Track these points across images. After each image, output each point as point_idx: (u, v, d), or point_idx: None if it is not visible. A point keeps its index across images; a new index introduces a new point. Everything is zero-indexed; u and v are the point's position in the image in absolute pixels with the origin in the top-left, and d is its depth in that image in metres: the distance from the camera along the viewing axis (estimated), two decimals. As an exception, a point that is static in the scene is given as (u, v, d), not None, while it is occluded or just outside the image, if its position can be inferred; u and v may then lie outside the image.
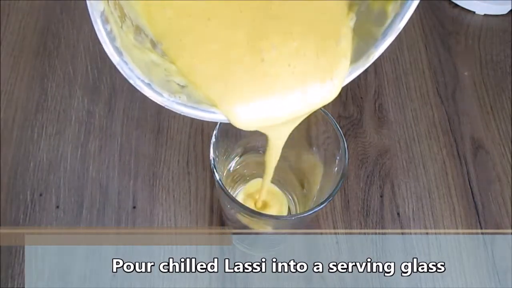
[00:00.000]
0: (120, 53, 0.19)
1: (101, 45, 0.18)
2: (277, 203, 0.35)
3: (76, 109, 0.42)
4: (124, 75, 0.19)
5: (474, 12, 0.51)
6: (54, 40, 0.46)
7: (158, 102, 0.21)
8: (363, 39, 0.22)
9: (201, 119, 0.23)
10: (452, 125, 0.44)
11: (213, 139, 0.27)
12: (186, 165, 0.40)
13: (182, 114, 0.22)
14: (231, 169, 0.34)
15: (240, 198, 0.35)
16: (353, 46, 0.23)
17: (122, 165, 0.40)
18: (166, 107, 0.21)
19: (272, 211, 0.34)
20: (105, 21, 0.17)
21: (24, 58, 0.44)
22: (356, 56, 0.23)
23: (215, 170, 0.26)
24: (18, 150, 0.40)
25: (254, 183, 0.35)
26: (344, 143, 0.27)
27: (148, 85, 0.20)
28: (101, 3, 0.17)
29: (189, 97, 0.22)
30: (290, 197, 0.35)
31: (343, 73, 0.23)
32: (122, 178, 0.39)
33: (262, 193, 0.32)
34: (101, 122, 0.42)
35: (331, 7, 0.22)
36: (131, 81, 0.20)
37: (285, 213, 0.34)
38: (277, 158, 0.28)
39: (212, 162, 0.26)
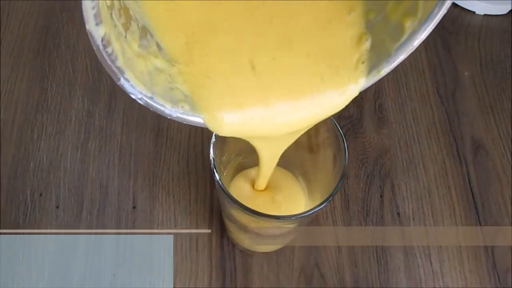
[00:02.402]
0: (122, 72, 0.19)
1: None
2: (292, 197, 0.34)
3: (76, 109, 0.42)
4: (126, 91, 0.20)
5: (474, 12, 0.51)
6: (54, 40, 0.46)
7: (160, 113, 0.21)
8: (376, 52, 0.22)
9: (203, 126, 0.23)
10: (452, 125, 0.44)
11: (213, 139, 0.27)
12: (186, 165, 0.40)
13: (185, 122, 0.22)
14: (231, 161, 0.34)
15: (236, 181, 0.34)
16: (367, 58, 0.22)
17: (122, 165, 0.40)
18: (169, 117, 0.21)
19: (287, 205, 0.33)
20: (107, 44, 0.17)
21: (24, 58, 0.44)
22: (367, 69, 0.22)
23: (215, 170, 0.26)
24: (18, 150, 0.40)
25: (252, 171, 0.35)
26: (344, 143, 0.26)
27: (151, 98, 0.20)
28: (102, 28, 0.17)
29: (192, 106, 0.22)
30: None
31: (351, 91, 0.23)
32: (122, 178, 0.39)
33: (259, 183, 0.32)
34: (101, 122, 0.42)
35: (347, 25, 0.22)
36: (133, 96, 0.20)
37: (302, 207, 0.34)
38: (267, 178, 0.29)
39: (212, 162, 0.26)
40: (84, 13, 0.16)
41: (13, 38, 0.45)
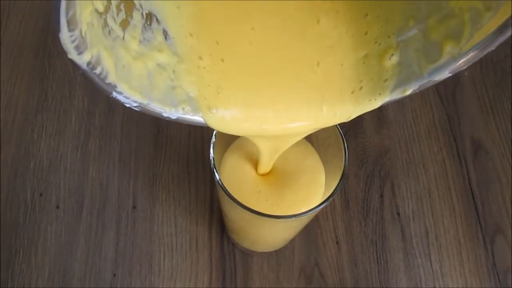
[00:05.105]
0: (113, 87, 0.18)
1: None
2: (306, 187, 0.29)
3: (76, 109, 0.42)
4: (120, 102, 0.19)
5: (474, 12, 0.51)
6: (54, 40, 0.46)
7: (158, 116, 0.21)
8: (406, 70, 0.20)
9: (202, 125, 0.23)
10: (452, 125, 0.44)
11: (213, 139, 0.26)
12: (186, 165, 0.40)
13: (184, 122, 0.22)
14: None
15: (233, 163, 0.30)
16: (395, 74, 0.21)
17: (122, 165, 0.40)
18: (167, 119, 0.21)
19: (296, 200, 0.29)
20: (95, 65, 0.17)
21: (24, 58, 0.44)
22: (392, 86, 0.21)
23: (215, 170, 0.26)
24: (18, 150, 0.40)
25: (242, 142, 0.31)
26: (344, 143, 0.26)
27: (147, 104, 0.20)
28: (87, 53, 0.16)
29: (194, 106, 0.22)
30: None
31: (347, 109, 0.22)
32: (122, 178, 0.39)
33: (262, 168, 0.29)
34: (101, 122, 0.42)
35: (368, 39, 0.21)
36: (128, 105, 0.19)
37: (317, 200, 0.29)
38: (270, 165, 0.28)
39: (212, 162, 0.26)
40: (64, 47, 0.15)
41: (13, 38, 0.45)
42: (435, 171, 0.42)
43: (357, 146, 0.42)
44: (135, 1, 0.19)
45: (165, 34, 0.20)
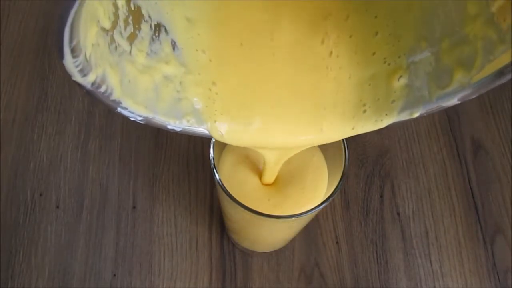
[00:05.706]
0: (118, 103, 0.18)
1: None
2: (310, 192, 0.29)
3: (76, 109, 0.42)
4: (125, 116, 0.19)
5: (474, 12, 0.51)
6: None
7: (162, 128, 0.21)
8: (414, 92, 0.20)
9: (206, 136, 0.23)
10: (452, 125, 0.44)
11: (213, 139, 0.26)
12: (186, 165, 0.40)
13: (188, 134, 0.22)
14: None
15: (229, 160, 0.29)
16: (403, 95, 0.21)
17: (122, 165, 0.40)
18: (171, 131, 0.21)
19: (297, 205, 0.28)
20: (100, 84, 0.17)
21: (24, 58, 0.44)
22: (399, 108, 0.21)
23: (215, 170, 0.26)
24: (18, 150, 0.40)
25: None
26: (344, 143, 0.26)
27: (153, 118, 0.20)
28: (91, 75, 0.16)
29: (199, 118, 0.22)
30: None
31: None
32: (122, 178, 0.39)
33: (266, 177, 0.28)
34: (101, 122, 0.42)
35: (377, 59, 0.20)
36: (133, 119, 0.19)
37: (322, 192, 0.28)
38: (274, 175, 0.28)
39: (212, 162, 0.26)
40: (68, 71, 0.15)
41: (13, 39, 0.45)
42: (435, 171, 0.41)
43: (357, 146, 0.42)
44: (143, 13, 0.18)
45: (173, 44, 0.20)
